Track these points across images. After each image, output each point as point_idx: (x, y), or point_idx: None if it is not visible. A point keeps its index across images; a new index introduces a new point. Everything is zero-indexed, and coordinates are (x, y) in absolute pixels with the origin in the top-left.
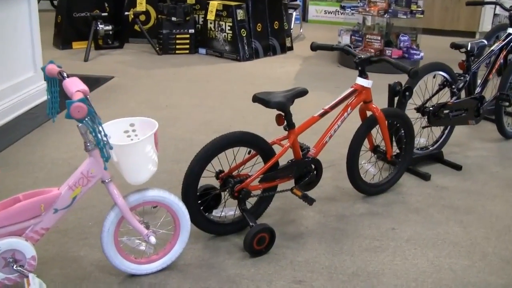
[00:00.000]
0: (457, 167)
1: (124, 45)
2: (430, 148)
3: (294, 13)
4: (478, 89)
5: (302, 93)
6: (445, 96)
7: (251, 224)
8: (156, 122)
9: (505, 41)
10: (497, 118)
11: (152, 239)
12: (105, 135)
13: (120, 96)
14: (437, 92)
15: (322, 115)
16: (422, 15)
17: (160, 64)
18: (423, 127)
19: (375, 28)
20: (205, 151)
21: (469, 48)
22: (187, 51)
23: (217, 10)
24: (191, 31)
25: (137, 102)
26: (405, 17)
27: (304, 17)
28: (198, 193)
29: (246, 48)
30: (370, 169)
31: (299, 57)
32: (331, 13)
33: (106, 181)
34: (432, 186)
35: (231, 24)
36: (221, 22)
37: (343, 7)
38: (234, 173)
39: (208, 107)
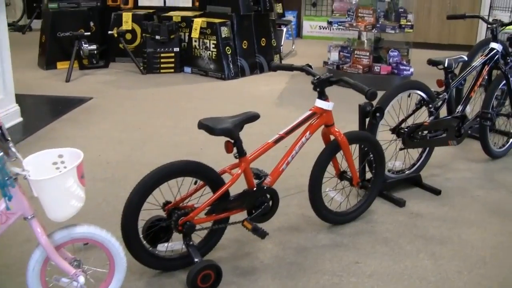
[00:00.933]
0: (436, 192)
1: (109, 65)
2: (407, 172)
3: (285, 29)
4: (459, 108)
5: (253, 118)
6: (424, 116)
7: (195, 260)
8: (82, 153)
9: (488, 56)
10: (481, 138)
11: (81, 279)
12: (6, 174)
13: (95, 117)
14: (414, 112)
15: (277, 141)
16: (411, 29)
17: (143, 84)
18: (400, 149)
19: (367, 44)
20: (144, 183)
21: (446, 65)
22: (172, 70)
23: (201, 28)
24: (176, 49)
25: (111, 124)
26: (393, 32)
27: (298, 33)
28: (147, 225)
29: (231, 66)
30: (336, 196)
31: (287, 74)
32: (326, 29)
33: (28, 217)
34: (406, 213)
35: (215, 42)
36: (205, 40)
37: (330, 23)
38: (183, 204)
39: (182, 129)
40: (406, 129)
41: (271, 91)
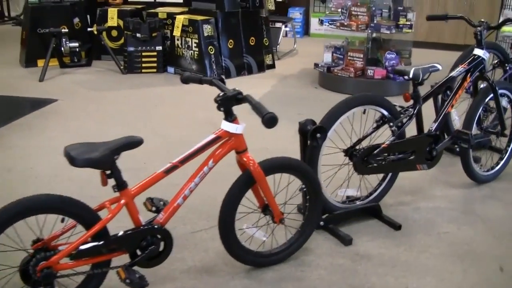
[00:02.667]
0: (395, 226)
1: (92, 63)
2: (360, 201)
3: (283, 27)
4: (433, 125)
5: (133, 144)
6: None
7: None
8: None
9: (471, 65)
10: (462, 160)
11: None
12: None
13: (51, 123)
14: (373, 131)
15: (168, 171)
16: (410, 29)
17: (118, 85)
18: (360, 175)
19: (359, 44)
20: None
21: (411, 76)
22: (155, 70)
23: (183, 26)
24: (159, 48)
25: (63, 132)
26: (388, 32)
27: (306, 31)
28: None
29: (214, 67)
30: (257, 234)
31: (278, 76)
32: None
33: None
34: (350, 254)
35: (197, 40)
36: (187, 39)
37: (321, 22)
38: (55, 242)
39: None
40: (359, 152)
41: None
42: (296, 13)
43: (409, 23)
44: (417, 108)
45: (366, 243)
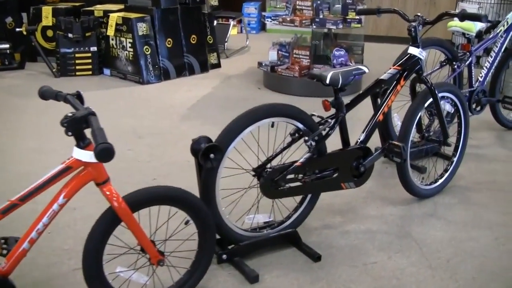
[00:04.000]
0: (314, 257)
1: (26, 66)
2: (274, 228)
3: (232, 23)
4: (361, 136)
5: None
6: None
7: None
8: None
9: (405, 65)
10: (399, 173)
11: None
12: None
13: None
14: (288, 146)
15: (5, 211)
16: (359, 24)
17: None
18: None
19: (302, 40)
20: None
21: (328, 81)
22: (90, 73)
23: (117, 24)
24: (93, 49)
25: None
26: (334, 27)
27: (263, 27)
28: None
29: (150, 68)
30: (134, 276)
31: (222, 76)
32: None
33: None
34: None
35: (131, 40)
36: (121, 38)
37: (263, 17)
38: None
39: (44, 153)
40: (267, 172)
41: (188, 99)
42: (251, 8)
43: (358, 17)
44: (340, 117)
45: (276, 280)
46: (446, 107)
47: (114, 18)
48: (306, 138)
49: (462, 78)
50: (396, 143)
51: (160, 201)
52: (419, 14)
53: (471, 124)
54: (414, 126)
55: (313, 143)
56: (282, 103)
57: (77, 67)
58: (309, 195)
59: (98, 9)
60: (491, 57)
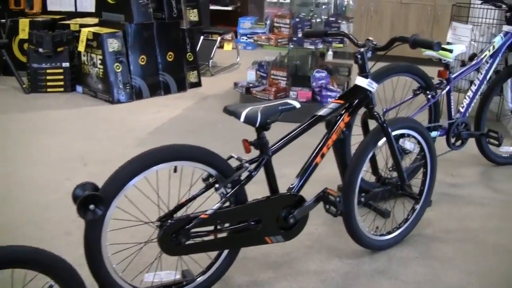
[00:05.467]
0: None
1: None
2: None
3: (219, 39)
4: (294, 182)
5: None
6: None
7: None
8: None
9: (352, 99)
10: (345, 220)
11: None
12: None
13: None
14: (199, 194)
15: None
16: (341, 44)
17: (9, 107)
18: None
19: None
20: None
21: (242, 119)
22: (62, 89)
23: (87, 40)
24: (65, 65)
25: None
26: (313, 47)
27: None
28: None
29: (121, 87)
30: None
31: (199, 96)
32: None
33: None
34: None
35: (101, 57)
36: (92, 55)
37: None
38: None
39: None
40: (168, 224)
41: (153, 121)
42: (247, 23)
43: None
44: (264, 160)
45: None
46: (406, 145)
47: (85, 33)
48: (217, 185)
49: (439, 109)
50: (332, 191)
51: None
52: (370, 38)
53: (454, 157)
54: (365, 167)
55: (226, 192)
56: (189, 144)
57: (48, 83)
58: (226, 250)
59: (74, 23)
60: (475, 85)
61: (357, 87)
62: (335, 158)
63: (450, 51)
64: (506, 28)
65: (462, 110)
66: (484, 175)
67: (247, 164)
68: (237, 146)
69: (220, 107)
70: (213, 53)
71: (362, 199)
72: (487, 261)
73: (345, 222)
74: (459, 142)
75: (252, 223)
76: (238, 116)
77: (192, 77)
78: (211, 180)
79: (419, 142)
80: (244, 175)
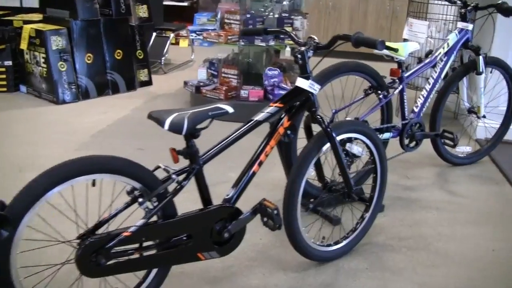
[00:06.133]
0: None
1: None
2: None
3: (172, 36)
4: (230, 193)
5: None
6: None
7: None
8: None
9: (292, 101)
10: (287, 229)
11: None
12: None
13: None
14: (122, 210)
15: None
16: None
17: None
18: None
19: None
20: None
21: (166, 127)
22: (5, 89)
23: (30, 37)
24: (8, 63)
25: None
26: (264, 44)
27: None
28: None
29: (66, 86)
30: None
31: (149, 96)
32: None
33: None
34: None
35: (45, 55)
36: (35, 53)
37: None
38: None
39: None
40: (87, 243)
41: (97, 123)
42: (203, 19)
43: (294, 32)
44: (195, 170)
45: None
46: (354, 150)
47: (27, 30)
48: (140, 200)
49: (392, 109)
50: (269, 203)
51: None
52: (312, 36)
53: (410, 158)
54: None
55: (152, 206)
56: (109, 155)
57: None
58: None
59: (18, 19)
60: (429, 84)
61: (297, 89)
62: (281, 162)
63: (396, 50)
64: (460, 25)
65: (416, 109)
66: (439, 177)
67: (174, 176)
68: None
69: (170, 107)
70: (165, 50)
71: (310, 206)
72: (440, 271)
73: (287, 232)
74: (413, 143)
75: (183, 238)
76: (161, 124)
77: (142, 75)
78: (136, 193)
79: (367, 146)
80: (172, 187)
